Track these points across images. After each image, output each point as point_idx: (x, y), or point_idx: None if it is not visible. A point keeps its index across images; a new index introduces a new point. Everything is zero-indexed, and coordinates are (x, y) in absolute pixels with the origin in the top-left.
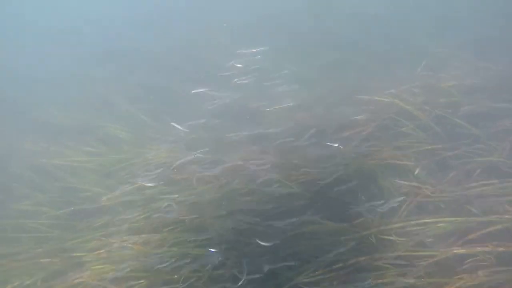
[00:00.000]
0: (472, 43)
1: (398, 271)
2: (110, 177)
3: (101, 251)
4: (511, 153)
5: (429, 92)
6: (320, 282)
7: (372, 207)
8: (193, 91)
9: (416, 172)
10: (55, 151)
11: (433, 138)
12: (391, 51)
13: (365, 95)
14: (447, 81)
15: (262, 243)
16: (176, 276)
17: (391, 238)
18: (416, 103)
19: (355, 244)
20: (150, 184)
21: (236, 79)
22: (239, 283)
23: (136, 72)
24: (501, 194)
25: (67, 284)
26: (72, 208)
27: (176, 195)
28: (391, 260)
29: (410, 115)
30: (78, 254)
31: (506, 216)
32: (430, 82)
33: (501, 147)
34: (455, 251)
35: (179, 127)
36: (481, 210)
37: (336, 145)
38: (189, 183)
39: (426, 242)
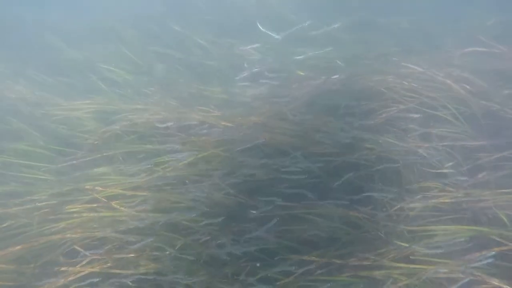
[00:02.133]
0: None
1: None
2: None
3: None
4: None
5: (484, 75)
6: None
7: (385, 199)
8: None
9: (445, 169)
10: None
11: (476, 132)
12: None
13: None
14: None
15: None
16: None
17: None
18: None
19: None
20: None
21: None
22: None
23: None
24: None
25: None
26: None
27: None
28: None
29: (454, 98)
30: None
31: None
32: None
33: None
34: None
35: None
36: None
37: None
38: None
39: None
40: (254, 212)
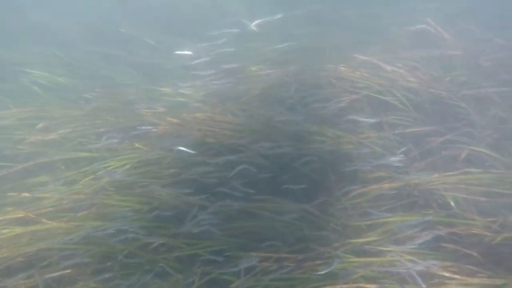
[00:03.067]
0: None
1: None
2: None
3: None
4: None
5: (431, 63)
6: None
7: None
8: None
9: (395, 157)
10: None
11: (424, 118)
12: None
13: (359, 55)
14: (452, 51)
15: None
16: None
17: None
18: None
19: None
20: None
21: None
22: None
23: None
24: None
25: None
26: None
27: None
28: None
29: (404, 87)
30: None
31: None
32: (433, 50)
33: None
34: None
35: None
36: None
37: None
38: None
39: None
40: (202, 212)
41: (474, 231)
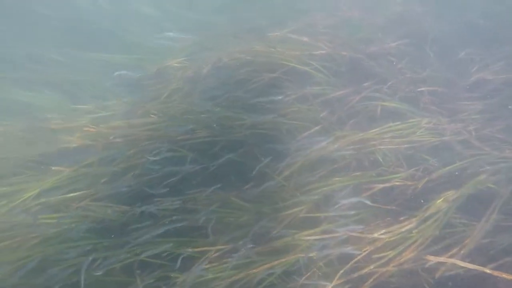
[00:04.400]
0: None
1: None
2: None
3: None
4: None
5: (338, 28)
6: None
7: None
8: None
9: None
10: None
11: (342, 82)
12: None
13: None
14: (358, 15)
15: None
16: None
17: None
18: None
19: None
20: None
21: None
22: None
23: None
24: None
25: None
26: None
27: None
28: None
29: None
30: None
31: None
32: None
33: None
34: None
35: None
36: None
37: None
38: None
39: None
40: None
41: (398, 183)
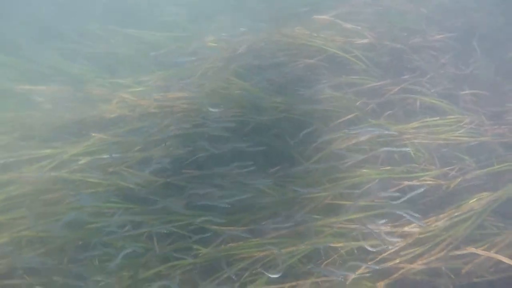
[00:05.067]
0: None
1: None
2: None
3: None
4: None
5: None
6: None
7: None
8: None
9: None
10: None
11: (382, 72)
12: None
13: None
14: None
15: None
16: None
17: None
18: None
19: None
20: None
21: None
22: None
23: None
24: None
25: None
26: None
27: None
28: None
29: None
30: None
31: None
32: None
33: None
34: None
35: None
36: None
37: None
38: None
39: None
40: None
41: (430, 182)
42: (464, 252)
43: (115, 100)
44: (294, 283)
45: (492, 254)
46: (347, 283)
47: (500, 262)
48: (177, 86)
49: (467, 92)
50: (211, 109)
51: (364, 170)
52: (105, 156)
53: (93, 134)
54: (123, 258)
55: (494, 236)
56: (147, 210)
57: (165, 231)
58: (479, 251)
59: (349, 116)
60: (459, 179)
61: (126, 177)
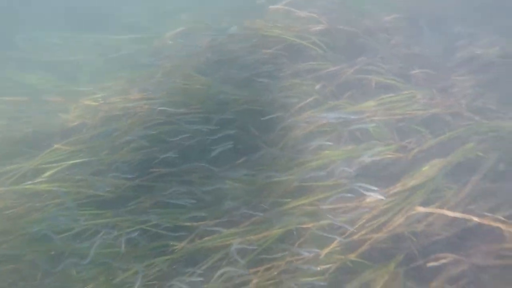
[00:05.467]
0: None
1: None
2: None
3: None
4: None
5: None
6: None
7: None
8: None
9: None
10: None
11: (335, 55)
12: None
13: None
14: None
15: None
16: None
17: None
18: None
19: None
20: None
21: None
22: None
23: None
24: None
25: None
26: None
27: None
28: None
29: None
30: None
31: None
32: None
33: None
34: None
35: None
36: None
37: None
38: None
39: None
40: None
41: (390, 155)
42: (422, 214)
43: (76, 108)
44: (269, 265)
45: (446, 211)
46: (320, 258)
47: (455, 219)
48: (139, 87)
49: (417, 69)
50: (173, 108)
51: (327, 152)
52: (73, 162)
53: (55, 146)
54: (99, 263)
55: (448, 197)
56: (119, 213)
57: (137, 233)
58: (436, 210)
59: (309, 100)
60: (416, 150)
61: (94, 184)
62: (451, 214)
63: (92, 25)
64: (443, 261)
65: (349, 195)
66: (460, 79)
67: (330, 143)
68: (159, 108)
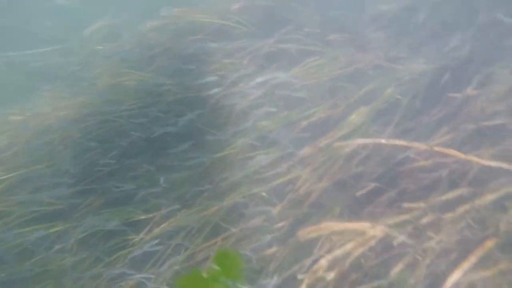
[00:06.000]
0: None
1: None
2: None
3: None
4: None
5: None
6: None
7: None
8: None
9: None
10: None
11: (258, 30)
12: None
13: None
14: None
15: None
16: None
17: None
18: None
19: None
20: None
21: None
22: None
23: None
24: None
25: None
26: None
27: None
28: None
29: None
30: None
31: None
32: None
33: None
34: None
35: None
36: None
37: None
38: None
39: None
40: None
41: (322, 115)
42: (357, 159)
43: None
44: (226, 234)
45: (378, 140)
46: (274, 213)
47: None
48: (70, 92)
49: (335, 33)
50: (109, 107)
51: (265, 122)
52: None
53: None
54: (59, 273)
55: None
56: (69, 221)
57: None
58: (367, 141)
59: (240, 76)
60: (345, 104)
61: (36, 199)
62: (383, 141)
63: (13, 42)
64: (371, 188)
65: (290, 156)
66: (374, 35)
67: (266, 113)
68: (94, 110)
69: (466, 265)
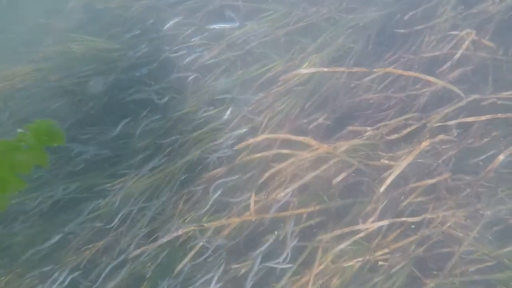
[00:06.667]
0: None
1: None
2: None
3: None
4: None
5: None
6: None
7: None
8: None
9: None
10: None
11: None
12: None
13: None
14: None
15: None
16: None
17: None
18: None
19: None
20: None
21: None
22: None
23: None
24: None
25: None
26: None
27: None
28: None
29: None
30: None
31: None
32: None
33: None
34: None
35: None
36: None
37: None
38: None
39: None
40: None
41: (280, 68)
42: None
43: None
44: (197, 185)
45: (321, 69)
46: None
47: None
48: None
49: None
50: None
51: (225, 80)
52: None
53: None
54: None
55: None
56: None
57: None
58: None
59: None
60: (301, 56)
61: None
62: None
63: None
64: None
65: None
66: None
67: (224, 71)
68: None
69: None
